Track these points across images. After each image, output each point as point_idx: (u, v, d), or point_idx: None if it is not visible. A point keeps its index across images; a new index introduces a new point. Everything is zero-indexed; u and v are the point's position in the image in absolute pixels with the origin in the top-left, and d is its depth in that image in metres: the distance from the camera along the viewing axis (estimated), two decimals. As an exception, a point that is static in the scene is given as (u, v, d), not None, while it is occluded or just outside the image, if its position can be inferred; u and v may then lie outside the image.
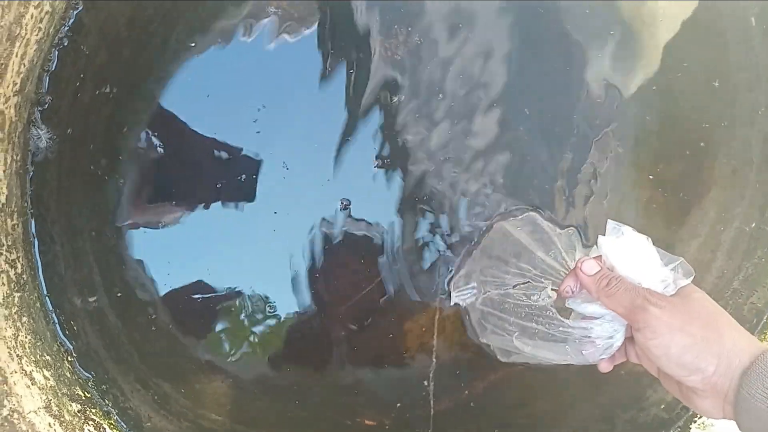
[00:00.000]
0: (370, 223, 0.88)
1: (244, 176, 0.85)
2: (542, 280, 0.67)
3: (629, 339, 0.60)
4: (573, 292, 0.60)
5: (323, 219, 0.87)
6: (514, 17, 0.87)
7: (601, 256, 0.59)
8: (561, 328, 0.62)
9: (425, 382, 0.91)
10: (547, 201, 0.88)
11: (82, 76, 0.82)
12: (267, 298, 0.89)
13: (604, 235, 0.58)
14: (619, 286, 0.55)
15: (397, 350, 0.90)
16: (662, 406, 0.95)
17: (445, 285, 0.87)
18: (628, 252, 0.56)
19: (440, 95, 0.86)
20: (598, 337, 0.58)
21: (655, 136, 0.90)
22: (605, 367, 0.62)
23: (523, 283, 0.70)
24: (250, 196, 0.86)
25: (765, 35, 0.90)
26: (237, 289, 0.88)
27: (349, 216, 0.88)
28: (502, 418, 0.94)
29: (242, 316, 0.89)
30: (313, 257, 0.88)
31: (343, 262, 0.89)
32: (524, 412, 0.94)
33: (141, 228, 0.86)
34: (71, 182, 0.84)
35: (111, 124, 0.83)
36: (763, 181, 0.92)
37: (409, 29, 0.85)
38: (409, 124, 0.86)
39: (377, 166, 0.87)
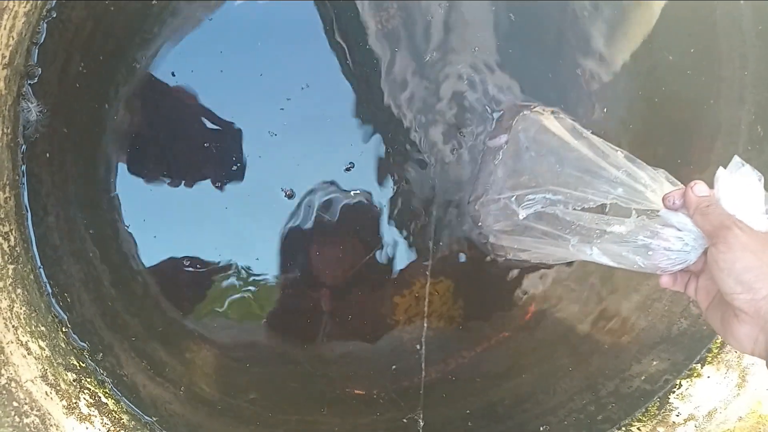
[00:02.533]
0: (365, 191, 0.89)
1: (233, 146, 0.86)
2: (629, 202, 0.68)
3: (694, 275, 0.63)
4: (674, 204, 0.62)
5: (316, 188, 0.88)
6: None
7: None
8: (639, 236, 0.63)
9: (417, 346, 0.92)
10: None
11: (69, 47, 0.81)
12: (257, 268, 0.90)
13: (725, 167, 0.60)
14: (716, 208, 0.58)
15: (388, 319, 0.92)
16: (643, 378, 0.97)
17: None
18: (739, 187, 0.59)
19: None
20: (674, 247, 0.61)
21: (642, 115, 0.91)
22: (666, 282, 0.64)
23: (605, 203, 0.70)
24: (240, 168, 0.87)
25: (753, 15, 0.90)
26: (228, 260, 0.89)
27: (343, 188, 0.88)
28: (489, 388, 0.96)
29: (233, 287, 0.90)
30: (304, 228, 0.88)
31: (335, 231, 0.90)
32: (511, 382, 0.96)
33: (132, 196, 0.86)
34: (63, 154, 0.84)
35: (99, 94, 0.83)
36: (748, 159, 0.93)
37: None
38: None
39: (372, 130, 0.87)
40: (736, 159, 0.60)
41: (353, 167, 0.88)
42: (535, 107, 0.85)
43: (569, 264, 0.93)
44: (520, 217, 0.78)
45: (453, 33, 0.86)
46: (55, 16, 0.80)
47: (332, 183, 0.88)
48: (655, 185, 0.67)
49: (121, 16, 0.82)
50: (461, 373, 0.95)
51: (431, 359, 0.94)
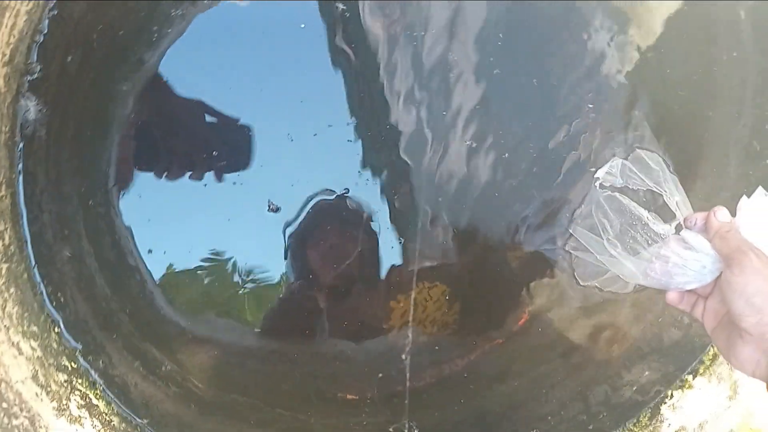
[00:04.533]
0: (365, 202, 0.89)
1: (234, 145, 0.86)
2: (679, 209, 0.71)
3: (701, 297, 0.64)
4: (695, 224, 0.65)
5: (319, 192, 0.88)
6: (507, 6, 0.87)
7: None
8: (662, 250, 0.66)
9: (402, 356, 0.92)
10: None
11: (69, 46, 0.81)
12: (253, 268, 0.90)
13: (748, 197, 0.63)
14: (735, 234, 0.60)
15: (379, 324, 0.92)
16: (635, 388, 0.97)
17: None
18: (760, 217, 0.61)
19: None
20: (691, 267, 0.63)
21: (643, 123, 0.91)
22: (672, 299, 0.66)
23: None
24: (242, 165, 0.87)
25: (754, 28, 0.91)
26: (224, 258, 0.89)
27: (345, 195, 0.89)
28: (481, 395, 0.96)
29: (228, 286, 0.90)
30: (302, 230, 0.89)
31: (332, 235, 0.90)
32: (502, 389, 0.96)
33: (130, 192, 0.86)
34: (60, 152, 0.84)
35: (101, 93, 0.83)
36: (743, 174, 0.94)
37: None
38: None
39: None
40: (760, 189, 0.62)
41: (358, 174, 0.88)
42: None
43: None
44: (599, 176, 0.81)
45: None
46: (56, 13, 0.80)
47: (331, 188, 0.88)
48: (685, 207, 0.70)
49: (124, 14, 0.81)
50: (454, 380, 0.95)
51: (423, 365, 0.94)
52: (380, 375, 0.92)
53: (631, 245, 0.71)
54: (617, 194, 0.78)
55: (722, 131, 0.93)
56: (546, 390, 0.97)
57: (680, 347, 0.97)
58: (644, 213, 0.72)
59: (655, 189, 0.75)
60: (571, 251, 0.89)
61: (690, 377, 0.97)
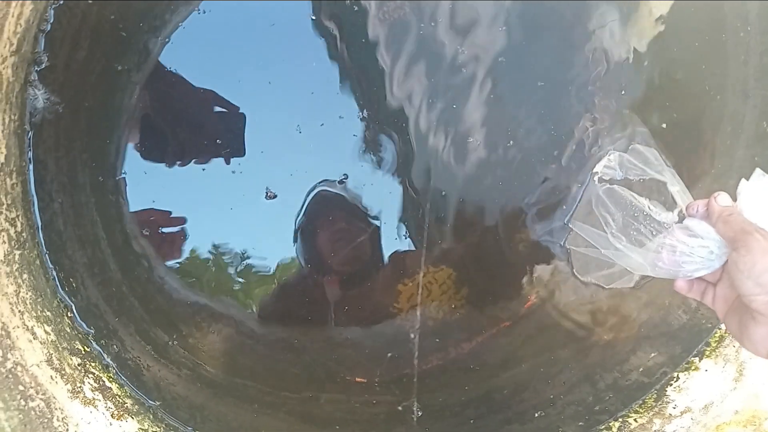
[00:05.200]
0: (371, 186, 0.90)
1: (240, 134, 0.87)
2: (680, 198, 0.72)
3: (710, 285, 0.65)
4: (697, 212, 0.65)
5: (324, 180, 0.89)
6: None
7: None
8: (668, 239, 0.66)
9: (411, 335, 0.93)
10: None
11: (76, 34, 0.82)
12: (262, 254, 0.91)
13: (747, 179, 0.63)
14: (738, 216, 0.61)
15: (391, 307, 0.93)
16: (641, 370, 0.98)
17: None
18: (761, 198, 0.61)
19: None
20: (698, 253, 0.63)
21: (650, 107, 0.91)
22: (681, 287, 0.66)
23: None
24: (241, 152, 0.87)
25: (760, 10, 0.89)
26: (234, 244, 0.90)
27: (347, 187, 0.89)
28: (488, 377, 0.97)
29: (238, 271, 0.91)
30: (311, 216, 0.89)
31: (338, 222, 0.90)
32: (509, 372, 0.97)
33: (137, 180, 0.87)
34: (70, 140, 0.84)
35: (108, 81, 0.84)
36: (751, 155, 0.93)
37: None
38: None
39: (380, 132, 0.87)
40: (758, 171, 0.62)
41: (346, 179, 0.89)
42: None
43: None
44: (597, 171, 0.81)
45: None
46: (62, 3, 0.81)
47: (333, 177, 0.89)
48: (687, 198, 0.71)
49: (128, 4, 0.82)
50: (461, 362, 0.96)
51: (430, 348, 0.95)
52: (389, 355, 0.93)
53: (635, 237, 0.71)
54: (616, 187, 0.78)
55: (730, 113, 0.92)
56: (553, 373, 0.97)
57: (687, 329, 0.97)
58: (645, 203, 0.72)
59: (656, 176, 0.75)
60: (570, 247, 0.90)
61: (696, 359, 0.97)
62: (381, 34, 0.85)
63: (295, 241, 0.90)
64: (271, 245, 0.91)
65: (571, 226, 0.87)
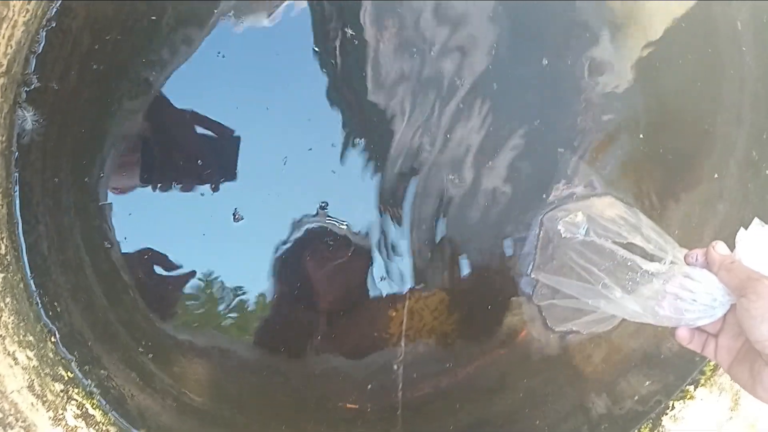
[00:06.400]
0: (358, 217, 0.89)
1: (229, 160, 0.86)
2: (663, 250, 0.71)
3: (712, 336, 0.64)
4: (696, 260, 0.65)
5: (315, 208, 0.88)
6: (505, 17, 0.87)
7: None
8: (668, 286, 0.65)
9: (395, 367, 0.92)
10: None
11: (68, 58, 0.82)
12: (249, 281, 0.89)
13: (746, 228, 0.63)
14: (740, 264, 0.61)
15: (383, 333, 0.91)
16: (636, 398, 0.97)
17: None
18: (761, 247, 0.61)
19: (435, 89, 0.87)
20: (701, 300, 0.63)
21: (642, 131, 0.91)
22: (682, 336, 0.65)
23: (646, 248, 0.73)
24: (233, 177, 0.87)
25: (754, 38, 0.91)
26: (220, 272, 0.89)
27: (329, 216, 0.89)
28: (478, 404, 0.95)
29: (224, 299, 0.89)
30: (300, 244, 0.88)
31: (326, 251, 0.89)
32: (500, 400, 0.96)
33: (122, 206, 0.86)
34: (57, 162, 0.84)
35: (99, 105, 0.83)
36: (742, 182, 0.94)
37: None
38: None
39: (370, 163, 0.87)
40: (757, 220, 0.62)
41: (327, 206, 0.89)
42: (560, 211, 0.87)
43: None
44: (561, 232, 0.81)
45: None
46: (54, 26, 0.81)
47: (321, 203, 0.88)
48: (677, 251, 0.70)
49: (122, 27, 0.82)
50: (452, 390, 0.94)
51: (419, 375, 0.93)
52: (369, 386, 0.92)
53: (631, 287, 0.70)
54: (595, 238, 0.77)
55: (723, 139, 0.93)
56: (546, 402, 0.96)
57: (680, 357, 0.97)
58: (628, 254, 0.72)
59: (630, 239, 0.75)
60: (543, 303, 0.89)
61: (691, 388, 0.96)
62: (378, 64, 0.86)
63: (282, 269, 0.89)
64: (256, 272, 0.90)
65: (541, 279, 0.87)
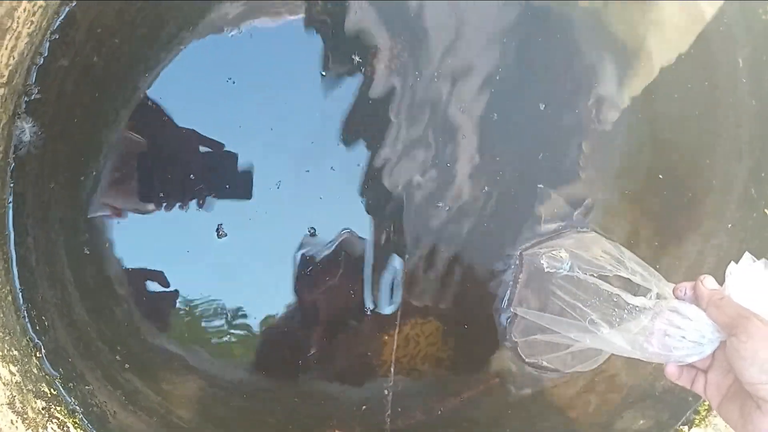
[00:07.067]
0: (357, 238, 0.89)
1: (228, 176, 0.86)
2: (648, 282, 0.70)
3: (701, 372, 0.63)
4: (685, 294, 0.64)
5: (307, 231, 0.88)
6: (502, 48, 0.88)
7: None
8: (656, 322, 0.64)
9: (386, 392, 0.91)
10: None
11: (69, 70, 0.82)
12: (244, 303, 0.89)
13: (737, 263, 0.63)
14: (730, 300, 0.59)
15: (375, 360, 0.91)
16: (629, 436, 0.96)
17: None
18: (752, 282, 0.60)
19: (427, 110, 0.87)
20: (689, 337, 0.62)
21: (642, 164, 0.92)
22: (672, 372, 0.64)
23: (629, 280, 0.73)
24: (236, 195, 0.86)
25: (750, 74, 0.92)
26: (213, 292, 0.88)
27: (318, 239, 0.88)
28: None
29: (215, 319, 0.88)
30: (294, 266, 0.88)
31: (322, 274, 0.89)
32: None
33: (116, 220, 0.85)
34: (51, 175, 0.83)
35: (96, 117, 0.83)
36: (741, 218, 0.94)
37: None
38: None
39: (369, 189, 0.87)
40: (747, 255, 0.62)
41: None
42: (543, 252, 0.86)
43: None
44: (545, 267, 0.80)
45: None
46: (58, 37, 0.81)
47: (310, 229, 0.88)
48: (664, 285, 0.69)
49: (123, 39, 0.82)
50: (445, 419, 0.93)
51: (412, 403, 0.92)
52: (364, 407, 0.91)
53: (618, 323, 0.69)
54: (578, 273, 0.77)
55: (721, 177, 0.93)
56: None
57: (674, 395, 0.96)
58: (613, 289, 0.71)
59: (611, 269, 0.74)
60: (519, 338, 0.88)
61: (685, 428, 0.95)
62: (384, 90, 0.86)
63: (274, 290, 0.89)
64: (248, 295, 0.89)
65: (521, 314, 0.86)
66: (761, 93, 0.92)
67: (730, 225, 0.94)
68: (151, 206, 0.86)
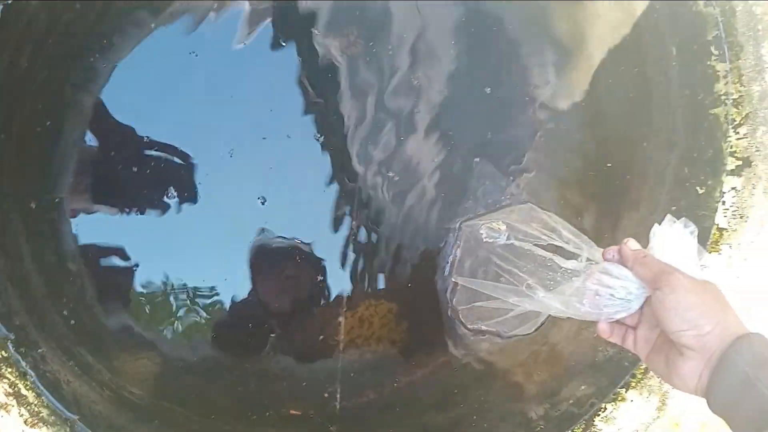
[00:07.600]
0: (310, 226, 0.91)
1: (183, 169, 0.87)
2: (580, 249, 0.73)
3: (630, 328, 0.66)
4: (613, 257, 0.67)
5: (267, 218, 0.90)
6: (458, 43, 0.91)
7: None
8: (587, 282, 0.67)
9: (337, 374, 0.93)
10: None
11: (21, 40, 0.81)
12: (198, 283, 0.90)
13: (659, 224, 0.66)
14: (652, 258, 0.63)
15: (330, 340, 0.92)
16: (571, 401, 0.99)
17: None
18: (673, 242, 0.64)
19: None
20: (618, 295, 0.65)
21: (580, 153, 0.96)
22: (603, 330, 0.67)
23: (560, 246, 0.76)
24: (191, 190, 0.88)
25: (680, 63, 0.97)
26: (172, 272, 0.89)
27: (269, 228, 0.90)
28: (420, 417, 0.97)
29: (173, 298, 0.89)
30: (256, 248, 0.90)
31: (280, 258, 0.91)
32: (443, 410, 0.98)
33: (80, 202, 0.85)
34: (5, 151, 0.82)
35: (51, 93, 0.83)
36: (675, 198, 0.99)
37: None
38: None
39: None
40: (669, 217, 0.65)
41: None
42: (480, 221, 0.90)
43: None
44: (483, 237, 0.83)
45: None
46: (9, 3, 0.80)
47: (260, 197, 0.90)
48: (595, 250, 0.72)
49: (79, 16, 0.82)
50: (398, 397, 0.95)
51: (365, 382, 0.94)
52: (327, 389, 0.92)
53: (552, 286, 0.73)
54: (515, 241, 0.81)
55: (656, 161, 0.98)
56: (485, 409, 0.97)
57: (614, 362, 1.00)
58: (547, 254, 0.75)
59: (546, 239, 0.78)
60: (460, 306, 0.92)
61: (623, 390, 0.99)
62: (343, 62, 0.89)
63: (241, 272, 0.90)
64: (211, 275, 0.90)
65: (461, 282, 0.89)
66: (688, 78, 0.98)
67: (665, 203, 0.99)
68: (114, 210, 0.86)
